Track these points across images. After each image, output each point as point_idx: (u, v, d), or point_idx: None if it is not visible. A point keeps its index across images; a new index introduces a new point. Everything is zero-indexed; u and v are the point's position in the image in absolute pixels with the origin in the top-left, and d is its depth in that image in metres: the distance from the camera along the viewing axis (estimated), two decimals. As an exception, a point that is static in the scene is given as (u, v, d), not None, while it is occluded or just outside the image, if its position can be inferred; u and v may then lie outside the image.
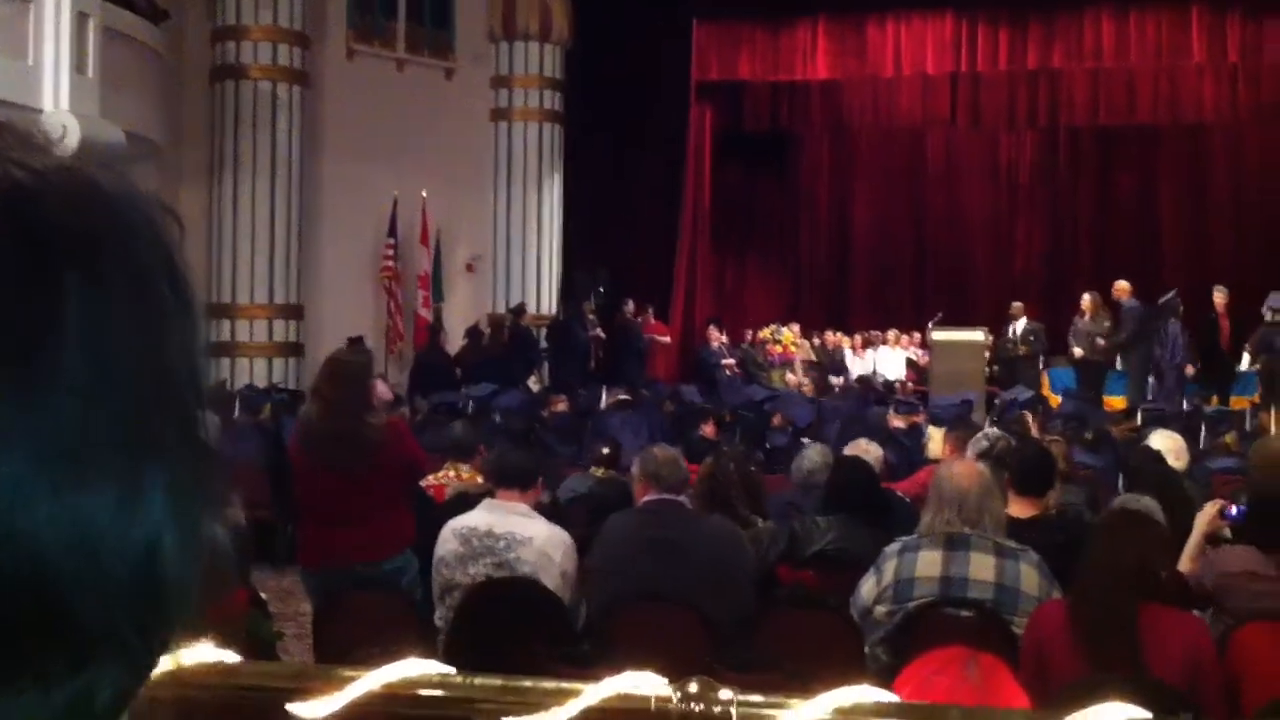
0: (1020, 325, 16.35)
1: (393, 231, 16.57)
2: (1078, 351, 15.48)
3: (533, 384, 14.91)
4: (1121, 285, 15.34)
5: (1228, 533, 4.89)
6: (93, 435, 0.52)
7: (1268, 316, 14.31)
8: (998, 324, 16.75)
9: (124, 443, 0.53)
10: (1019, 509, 5.08)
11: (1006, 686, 2.45)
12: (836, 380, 17.09)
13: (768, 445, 9.39)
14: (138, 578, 0.53)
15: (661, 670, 1.71)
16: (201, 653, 1.89)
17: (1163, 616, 3.65)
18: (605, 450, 7.27)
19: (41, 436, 0.51)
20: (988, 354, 15.45)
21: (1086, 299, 15.62)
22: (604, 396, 12.45)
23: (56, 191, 0.54)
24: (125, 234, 0.56)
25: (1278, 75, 18.62)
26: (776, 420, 9.84)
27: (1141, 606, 3.60)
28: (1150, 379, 15.30)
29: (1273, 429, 10.76)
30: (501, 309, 17.18)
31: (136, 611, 0.54)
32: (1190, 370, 14.81)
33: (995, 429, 7.08)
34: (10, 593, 0.50)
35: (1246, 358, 15.93)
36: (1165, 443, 6.61)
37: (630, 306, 17.79)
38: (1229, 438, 9.45)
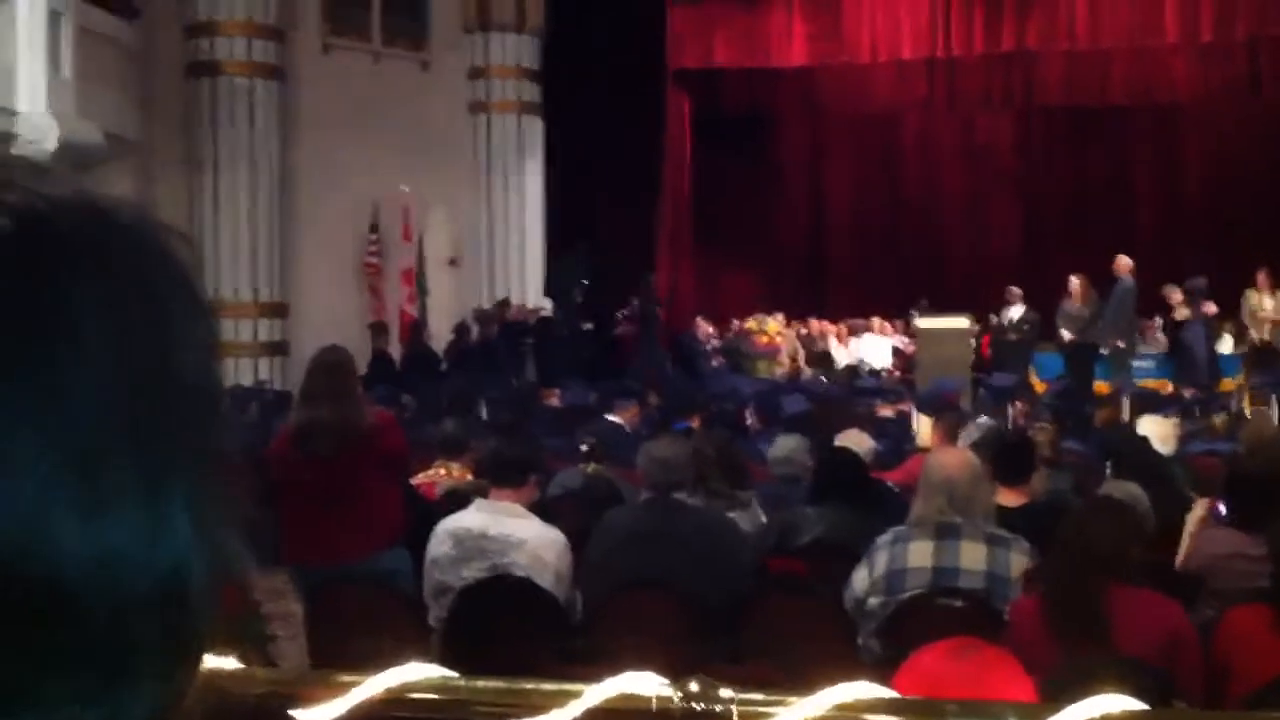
0: (1016, 311, 16.25)
1: (374, 228, 16.52)
2: (1065, 335, 15.42)
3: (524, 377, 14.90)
4: (1123, 260, 15.23)
5: None
6: (111, 450, 0.52)
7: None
8: (975, 307, 16.65)
9: (143, 457, 0.53)
10: (1006, 498, 5.10)
11: (1012, 678, 2.45)
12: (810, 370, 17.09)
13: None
14: (163, 594, 0.54)
15: (658, 662, 1.71)
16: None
17: (1136, 599, 3.66)
18: (592, 444, 7.23)
19: (58, 452, 0.51)
20: (973, 341, 15.43)
21: (1074, 282, 15.45)
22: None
23: (70, 214, 0.55)
24: (136, 252, 0.57)
25: (1252, 54, 18.68)
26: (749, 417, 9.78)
27: (1112, 588, 3.61)
28: (1134, 363, 15.36)
29: (1247, 410, 10.81)
30: (486, 303, 17.15)
31: (164, 627, 0.54)
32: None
33: (986, 418, 7.10)
34: (37, 611, 0.50)
35: (1230, 340, 16.01)
36: (1154, 428, 6.65)
37: (635, 304, 17.76)
38: (1218, 420, 9.49)
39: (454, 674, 1.83)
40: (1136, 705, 1.63)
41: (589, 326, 17.06)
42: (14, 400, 0.51)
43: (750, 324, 18.91)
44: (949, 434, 6.84)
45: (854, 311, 19.81)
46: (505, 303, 16.68)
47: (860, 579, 4.34)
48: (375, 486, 5.17)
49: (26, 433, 0.51)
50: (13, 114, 9.64)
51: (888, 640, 4.13)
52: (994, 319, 16.69)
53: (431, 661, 1.80)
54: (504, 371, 14.54)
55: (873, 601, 4.26)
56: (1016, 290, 16.48)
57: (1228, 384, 13.98)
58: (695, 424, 9.09)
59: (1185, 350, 15.22)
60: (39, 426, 0.51)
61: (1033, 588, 4.01)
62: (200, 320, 0.60)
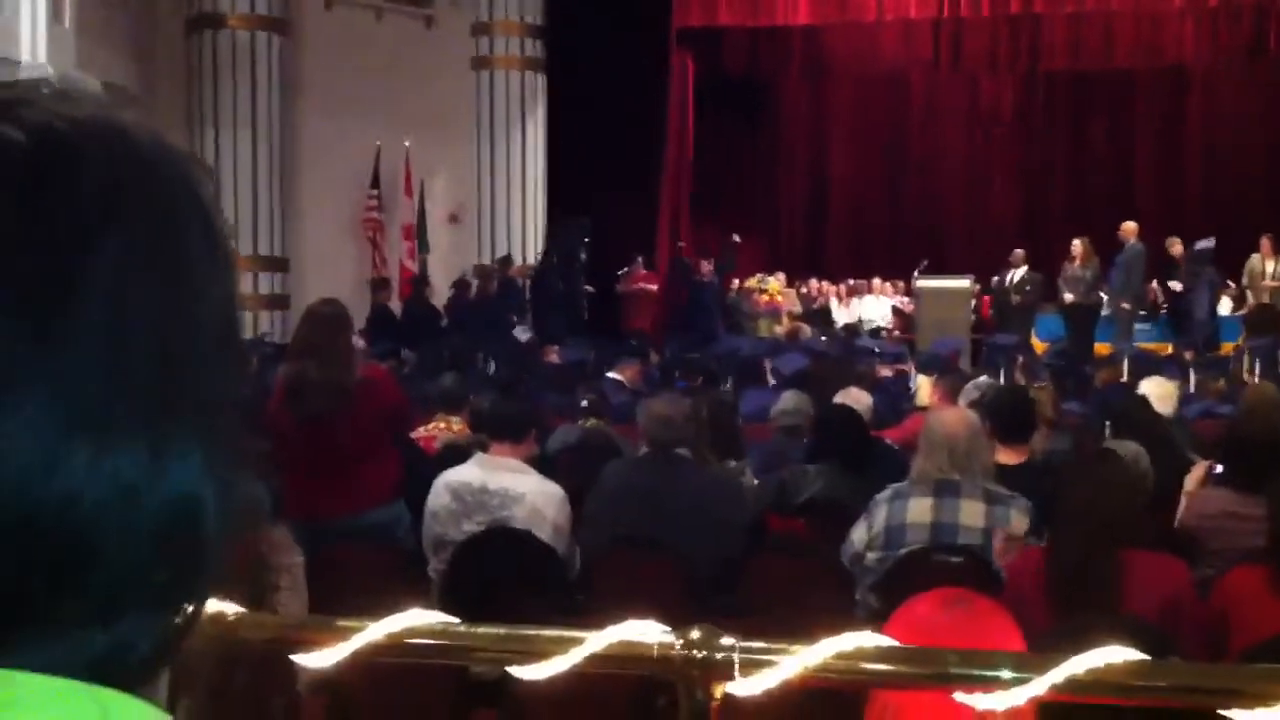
0: (1019, 273, 16.26)
1: (375, 183, 16.48)
2: (1068, 297, 15.42)
3: (521, 334, 14.90)
4: (1129, 225, 15.24)
5: None
6: (119, 387, 0.52)
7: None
8: (977, 269, 16.68)
9: (153, 396, 0.53)
10: (1005, 456, 5.11)
11: (1002, 629, 2.47)
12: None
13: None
14: (170, 528, 0.54)
15: (657, 616, 1.72)
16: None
17: (1140, 561, 3.68)
18: (592, 400, 7.26)
19: (65, 386, 0.51)
20: (973, 302, 15.45)
21: (1077, 244, 15.48)
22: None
23: (93, 143, 0.54)
24: (158, 186, 0.56)
25: (1259, 16, 18.56)
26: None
27: (1119, 553, 3.62)
28: (1136, 325, 15.36)
29: (1247, 373, 10.83)
30: (486, 259, 17.13)
31: (172, 560, 0.54)
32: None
33: (986, 378, 7.11)
34: (51, 536, 0.51)
35: (1229, 302, 16.00)
36: (1154, 388, 6.65)
37: (640, 262, 17.77)
38: (1219, 382, 9.50)
39: (455, 620, 1.83)
40: (1138, 655, 1.64)
41: (589, 288, 17.07)
42: (26, 336, 0.51)
43: (751, 283, 18.89)
44: (948, 393, 6.84)
45: (855, 273, 19.81)
46: (508, 260, 16.66)
47: (859, 534, 4.36)
48: (371, 441, 5.17)
49: (30, 362, 0.51)
50: (15, 64, 9.60)
51: (885, 595, 4.14)
52: (995, 280, 16.70)
53: (431, 613, 1.81)
54: (503, 328, 14.54)
55: (871, 557, 4.28)
56: (1020, 252, 16.54)
57: (1227, 347, 13.98)
58: (698, 383, 9.11)
59: (1186, 312, 15.25)
60: (43, 358, 0.51)
61: (1026, 548, 4.03)
62: (220, 258, 0.59)
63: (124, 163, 0.55)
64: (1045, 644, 2.50)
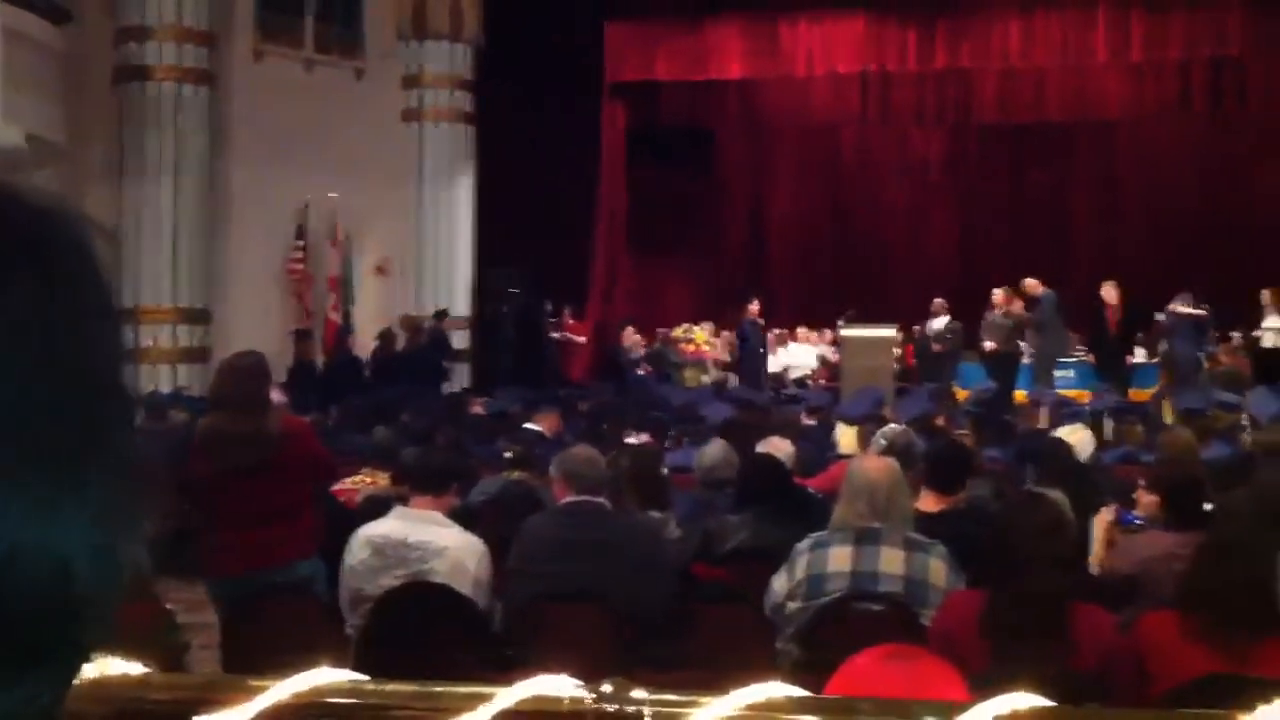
0: (940, 322, 16.59)
1: (301, 234, 16.38)
2: (988, 345, 15.71)
3: (452, 386, 14.83)
4: (1031, 282, 15.61)
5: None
6: (4, 444, 0.52)
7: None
8: (916, 318, 16.98)
9: (39, 453, 0.53)
10: (928, 503, 5.15)
11: (945, 682, 2.46)
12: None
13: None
14: (59, 591, 0.53)
15: (581, 670, 1.71)
16: (107, 665, 1.86)
17: (1079, 610, 3.72)
18: (516, 450, 7.20)
19: None
20: (897, 350, 15.66)
21: (998, 293, 15.91)
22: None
23: None
24: (45, 241, 0.56)
25: (1181, 72, 19.06)
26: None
27: (1055, 598, 3.66)
28: (1056, 372, 15.62)
29: (1168, 418, 11.03)
30: (413, 311, 17.06)
31: (42, 623, 0.54)
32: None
33: (895, 425, 7.18)
34: None
35: (1142, 351, 16.35)
36: (1072, 435, 6.75)
37: (568, 313, 17.84)
38: (1135, 428, 9.65)
39: (364, 678, 1.81)
40: (1043, 702, 1.65)
41: (519, 334, 17.04)
42: None
43: (677, 332, 18.96)
44: (868, 441, 6.90)
45: (793, 320, 19.99)
46: (443, 313, 16.62)
47: (780, 583, 4.36)
48: (290, 495, 5.10)
49: None
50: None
51: (807, 644, 4.15)
52: (917, 329, 17.00)
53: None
54: (431, 380, 14.45)
55: (792, 606, 4.28)
56: (941, 302, 16.88)
57: (1140, 394, 14.25)
58: (632, 438, 9.07)
59: (1111, 359, 15.58)
60: None
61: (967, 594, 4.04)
62: (109, 311, 0.59)
63: (7, 218, 0.55)
64: (976, 687, 2.51)
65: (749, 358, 17.58)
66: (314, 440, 5.59)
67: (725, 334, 19.39)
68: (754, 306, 17.69)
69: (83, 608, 0.55)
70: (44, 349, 0.54)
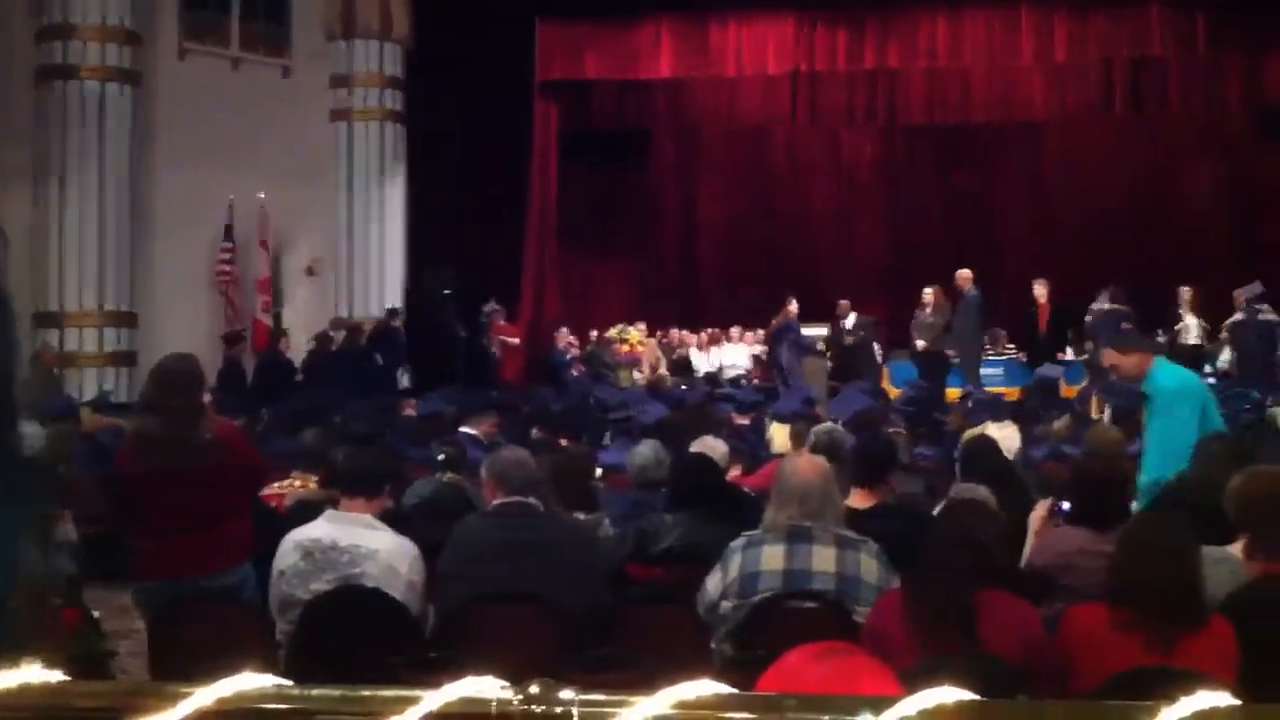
0: (849, 321, 16.90)
1: (229, 235, 16.19)
2: (919, 344, 15.86)
3: (398, 384, 14.72)
4: (963, 274, 15.71)
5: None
6: None
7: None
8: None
9: None
10: (858, 500, 5.19)
11: (877, 678, 2.47)
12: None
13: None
14: None
15: (515, 672, 1.69)
16: (26, 673, 1.82)
17: (998, 602, 3.76)
18: (450, 453, 7.16)
19: None
20: (822, 346, 15.83)
21: (928, 292, 16.07)
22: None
23: None
24: None
25: (1104, 73, 19.35)
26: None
27: (978, 592, 3.69)
28: (983, 371, 15.78)
29: (1095, 414, 11.18)
30: (344, 313, 16.92)
31: None
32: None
33: (827, 424, 7.22)
34: None
35: (1071, 349, 16.56)
36: (999, 432, 6.83)
37: (500, 313, 17.72)
38: (1059, 425, 9.78)
39: (288, 683, 1.78)
40: (969, 696, 1.66)
41: (461, 334, 16.92)
42: None
43: (611, 333, 18.94)
44: (800, 440, 6.93)
45: (725, 319, 20.04)
46: (394, 312, 16.50)
47: (714, 583, 4.37)
48: (221, 500, 5.04)
49: None
50: None
51: (740, 643, 4.16)
52: (829, 330, 17.31)
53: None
54: (365, 382, 14.32)
55: (726, 605, 4.29)
56: (844, 303, 17.52)
57: (1069, 390, 14.43)
58: (563, 440, 9.05)
59: (1042, 354, 15.78)
60: None
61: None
62: (4, 325, 0.57)
63: None
64: (905, 682, 2.52)
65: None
66: (247, 446, 5.52)
67: (666, 334, 19.44)
68: (792, 307, 16.72)
69: None
70: None
